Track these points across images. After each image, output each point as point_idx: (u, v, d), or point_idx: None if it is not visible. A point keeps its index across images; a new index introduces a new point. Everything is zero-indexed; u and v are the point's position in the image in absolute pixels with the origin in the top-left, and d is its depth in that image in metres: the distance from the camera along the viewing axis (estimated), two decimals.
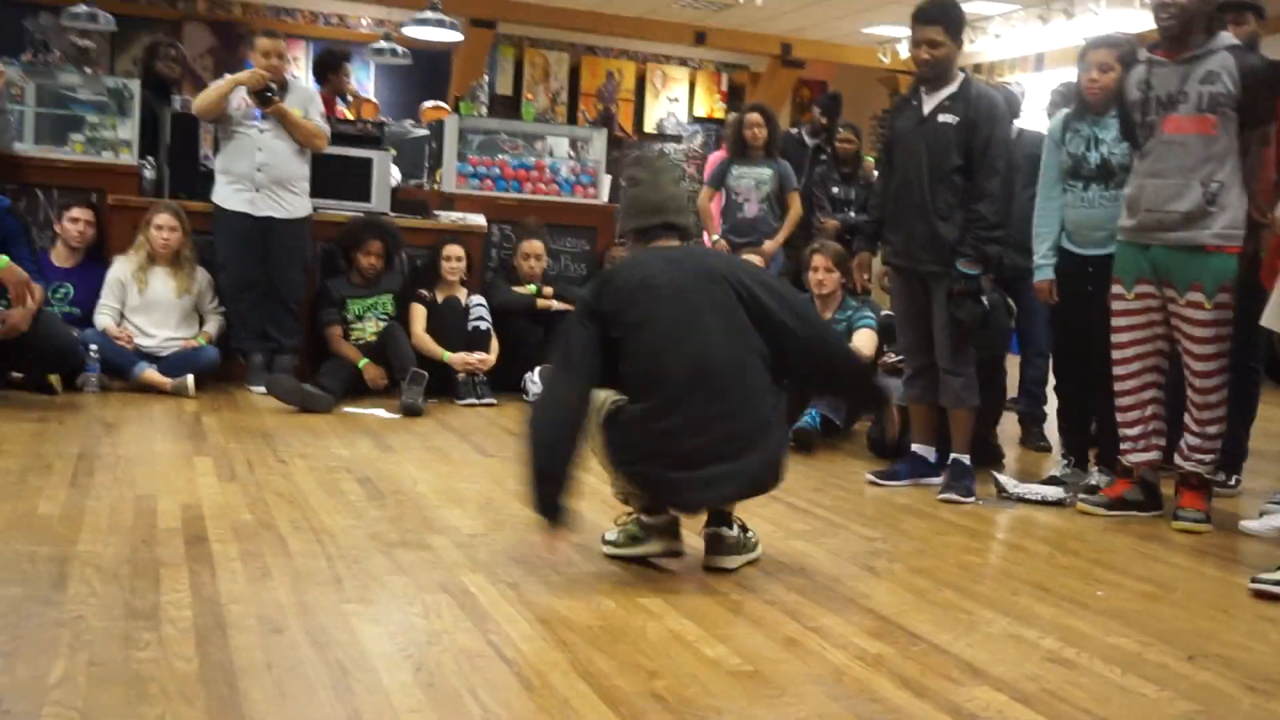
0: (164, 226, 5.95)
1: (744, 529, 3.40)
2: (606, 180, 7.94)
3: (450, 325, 6.20)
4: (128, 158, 6.40)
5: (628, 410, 3.19)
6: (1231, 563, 3.75)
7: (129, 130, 6.42)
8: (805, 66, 15.45)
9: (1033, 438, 5.84)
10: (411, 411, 5.57)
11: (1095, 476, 4.60)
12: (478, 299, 6.36)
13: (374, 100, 9.54)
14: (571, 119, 15.05)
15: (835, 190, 7.44)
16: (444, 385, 6.00)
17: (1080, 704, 2.46)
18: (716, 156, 7.82)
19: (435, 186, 7.44)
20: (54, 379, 5.48)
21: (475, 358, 6.12)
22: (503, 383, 6.24)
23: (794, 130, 8.60)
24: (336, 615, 2.72)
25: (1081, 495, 4.43)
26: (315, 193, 6.26)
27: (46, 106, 6.64)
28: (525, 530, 3.59)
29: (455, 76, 13.98)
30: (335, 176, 6.50)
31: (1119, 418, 4.29)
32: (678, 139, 16.37)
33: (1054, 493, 4.48)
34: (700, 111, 16.41)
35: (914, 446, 4.73)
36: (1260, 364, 4.81)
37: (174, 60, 7.01)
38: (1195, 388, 4.10)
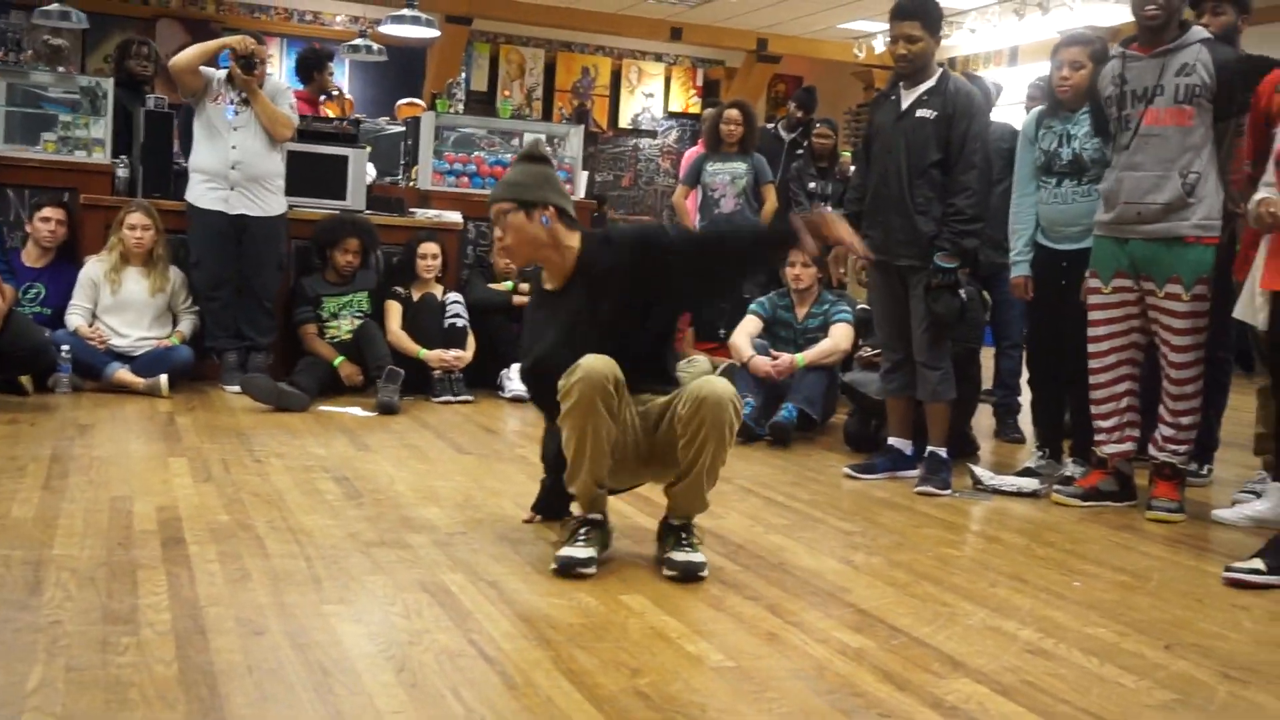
0: (136, 226, 5.90)
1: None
2: (584, 176, 7.94)
3: (427, 323, 6.19)
4: (100, 157, 6.35)
5: None
6: (1205, 552, 3.79)
7: (101, 129, 6.37)
8: (781, 62, 15.48)
9: (1007, 429, 5.88)
10: (388, 409, 5.56)
11: (1069, 468, 4.63)
12: (454, 296, 6.34)
13: (349, 97, 9.50)
14: (547, 115, 15.06)
15: (812, 185, 7.46)
16: (420, 383, 5.99)
17: (1060, 694, 2.48)
18: (692, 153, 7.83)
19: (411, 184, 7.42)
20: (25, 380, 5.44)
21: (451, 355, 6.10)
22: (479, 380, 6.24)
23: (770, 125, 8.63)
24: (317, 616, 2.71)
25: (1056, 486, 4.46)
26: (290, 190, 6.24)
27: (18, 105, 6.60)
28: (504, 528, 3.59)
29: (431, 73, 13.94)
30: (310, 174, 6.47)
31: (1094, 410, 4.33)
32: (653, 134, 16.38)
33: (1029, 484, 4.51)
34: (676, 107, 16.44)
35: (890, 439, 4.75)
36: (1231, 354, 4.86)
37: (146, 59, 6.96)
38: (1171, 379, 4.14)
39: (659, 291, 3.31)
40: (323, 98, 8.13)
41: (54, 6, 10.01)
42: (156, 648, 2.45)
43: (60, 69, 7.23)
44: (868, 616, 2.94)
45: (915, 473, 4.59)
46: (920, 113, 4.42)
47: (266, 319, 6.14)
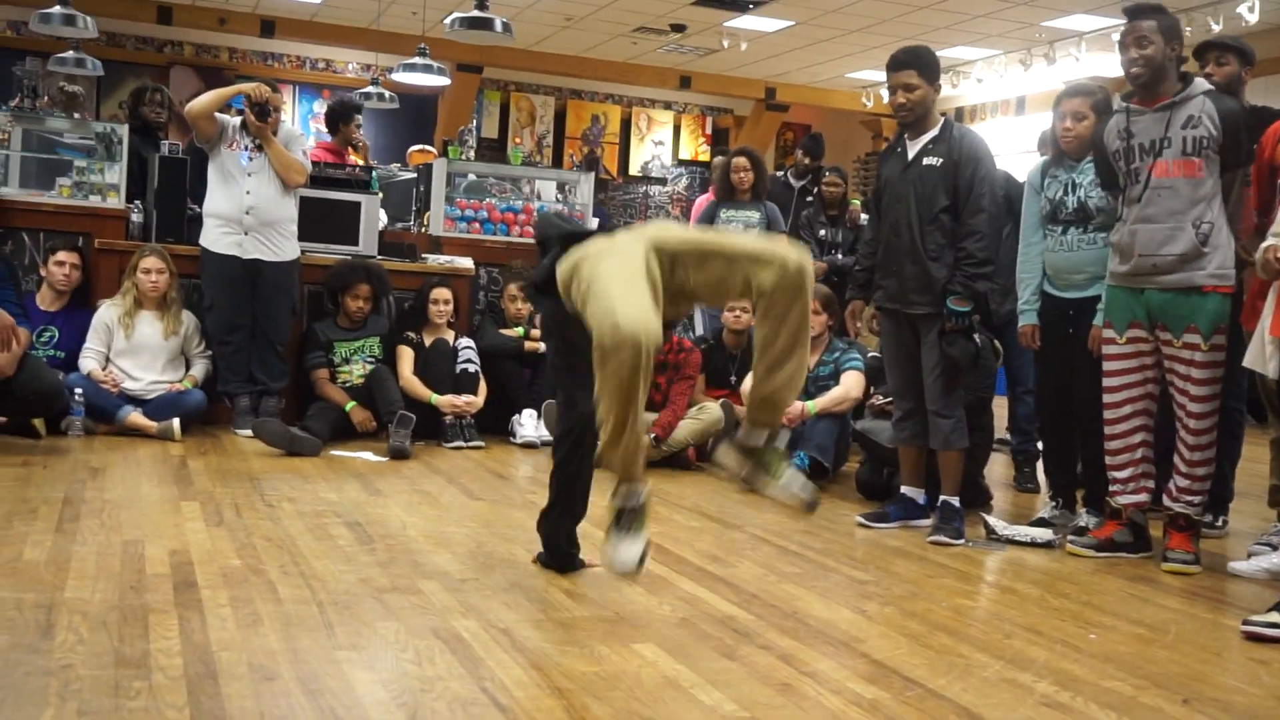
0: (151, 270, 5.94)
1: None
2: (594, 223, 7.97)
3: (438, 368, 6.20)
4: (115, 202, 6.40)
5: None
6: (1222, 604, 3.76)
7: (116, 175, 6.43)
8: (789, 110, 15.61)
9: (1024, 478, 5.85)
10: (399, 454, 5.55)
11: (1083, 518, 4.61)
12: (465, 341, 6.36)
13: (365, 142, 9.56)
14: (557, 162, 15.19)
15: (822, 233, 7.49)
16: (431, 428, 5.99)
17: None
18: (704, 199, 7.87)
19: (423, 229, 7.46)
20: (38, 423, 5.45)
21: (463, 400, 6.11)
22: (490, 425, 6.24)
23: (779, 173, 8.68)
24: (329, 662, 2.70)
25: (1070, 537, 4.43)
26: (303, 236, 6.28)
27: (34, 151, 6.65)
28: (516, 574, 3.57)
29: (442, 120, 14.08)
30: (323, 219, 6.53)
31: (1108, 460, 4.31)
32: (663, 181, 16.48)
33: (1043, 534, 4.48)
34: (685, 154, 16.56)
35: (903, 489, 4.73)
36: (1243, 404, 4.85)
37: (160, 105, 7.04)
38: (1189, 429, 4.12)
39: None
40: (349, 149, 8.20)
41: (69, 54, 10.14)
42: (168, 693, 2.43)
43: (75, 115, 7.30)
44: (882, 667, 2.91)
45: (928, 522, 4.57)
46: (927, 160, 4.45)
47: (279, 363, 6.16)
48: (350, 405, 6.01)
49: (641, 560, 3.05)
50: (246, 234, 6.01)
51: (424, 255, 7.01)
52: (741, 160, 7.10)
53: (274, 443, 5.49)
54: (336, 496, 4.63)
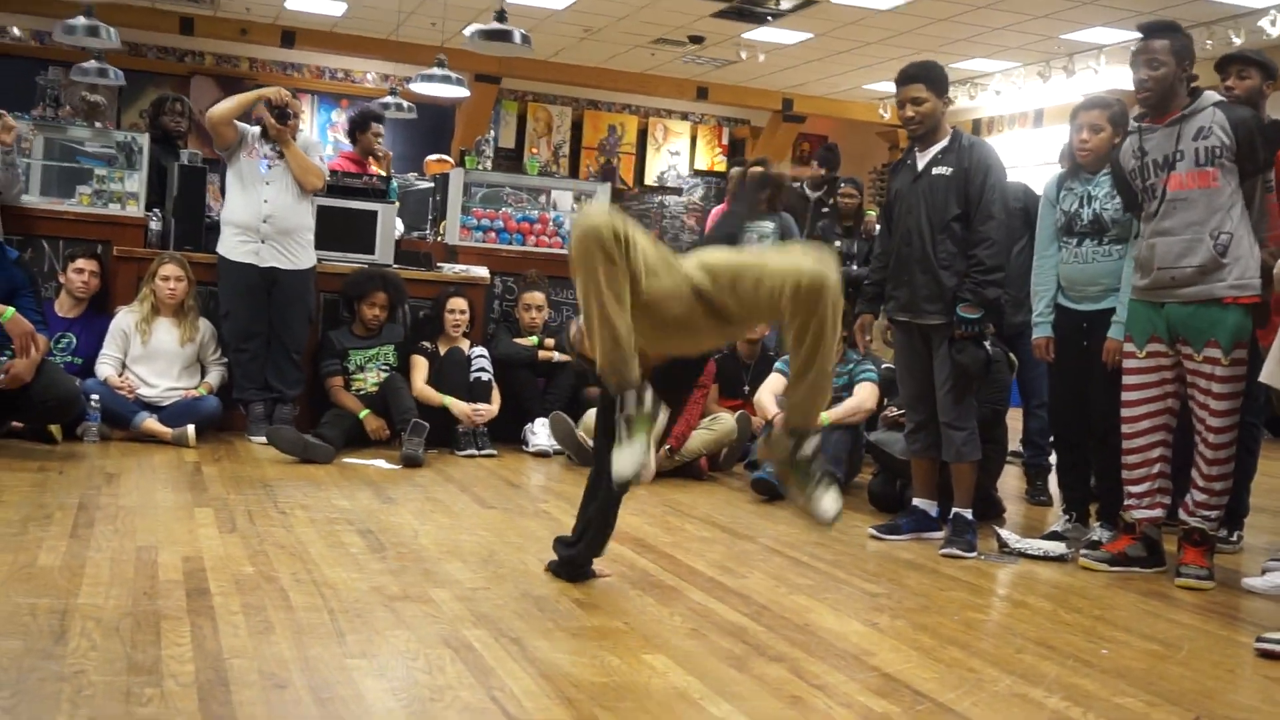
0: (170, 277, 5.98)
1: None
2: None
3: (452, 376, 6.22)
4: (134, 210, 6.44)
5: None
6: (1236, 621, 3.74)
7: (136, 183, 6.47)
8: (805, 121, 15.61)
9: (1036, 490, 5.83)
10: (412, 462, 5.57)
11: (1096, 531, 4.59)
12: (480, 350, 6.37)
13: (388, 154, 9.61)
14: (574, 171, 15.21)
15: (837, 244, 7.49)
16: (444, 436, 6.01)
17: None
18: (719, 210, 7.87)
19: (439, 239, 7.49)
20: (54, 429, 5.49)
21: (479, 409, 6.12)
22: (503, 434, 6.25)
23: (795, 183, 8.68)
24: (340, 670, 2.71)
25: (1083, 551, 4.42)
26: (320, 244, 6.31)
27: (55, 159, 6.71)
28: (527, 584, 3.58)
29: (459, 130, 14.13)
30: (340, 228, 6.55)
31: (1125, 474, 4.30)
32: (679, 191, 16.50)
33: (1055, 548, 4.47)
34: (701, 165, 16.57)
35: (915, 501, 4.73)
36: (1260, 420, 4.82)
37: (180, 114, 7.08)
38: (1208, 443, 4.10)
39: None
40: (370, 159, 8.24)
41: (91, 63, 10.22)
42: (179, 699, 2.45)
43: (97, 124, 7.34)
44: (892, 681, 2.91)
45: (940, 534, 4.56)
46: (937, 170, 4.46)
47: (294, 371, 6.19)
48: (364, 413, 6.03)
49: (641, 470, 3.00)
50: (264, 242, 6.05)
51: (440, 264, 7.04)
52: (757, 170, 7.10)
53: (287, 449, 5.52)
54: (349, 504, 4.65)
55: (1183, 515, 4.19)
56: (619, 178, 15.78)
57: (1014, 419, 5.82)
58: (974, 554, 4.40)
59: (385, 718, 2.44)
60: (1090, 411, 4.57)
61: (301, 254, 6.15)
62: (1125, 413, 4.26)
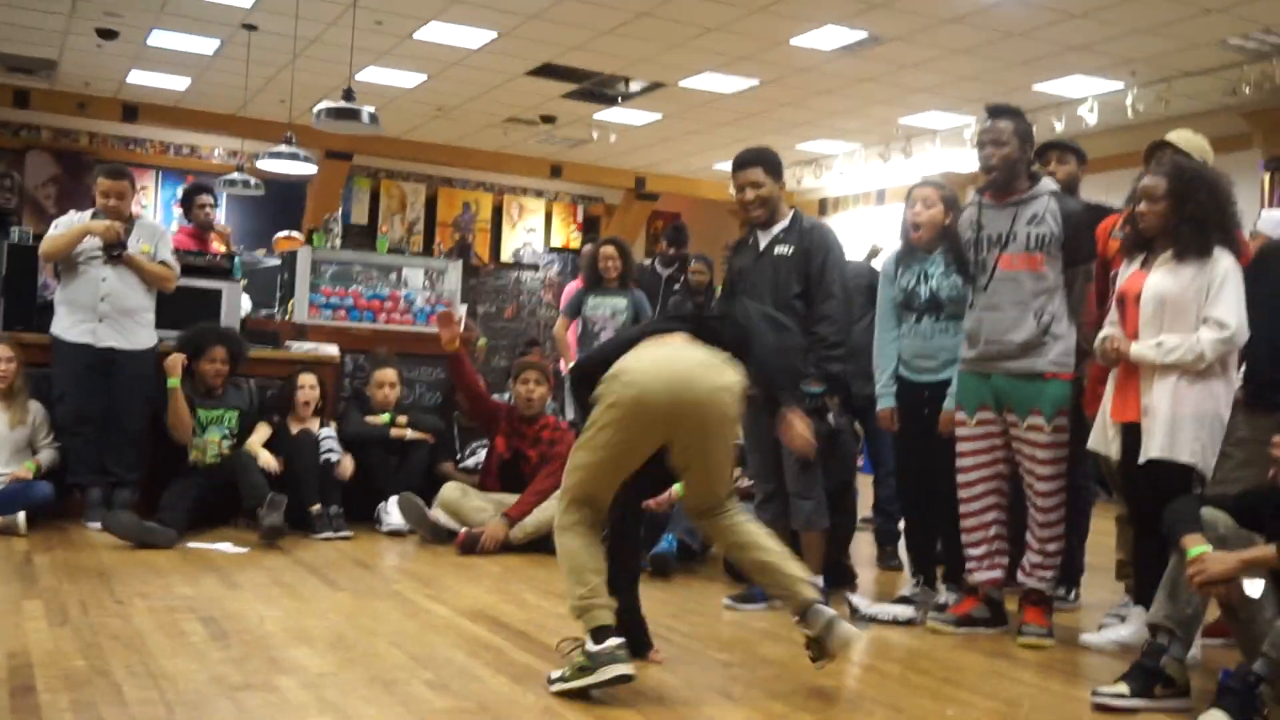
0: (2, 359, 5.73)
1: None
2: (462, 309, 7.96)
3: (302, 460, 6.01)
4: None
5: None
6: (1075, 677, 3.87)
7: None
8: (659, 199, 15.91)
9: (887, 556, 5.96)
10: (275, 533, 5.42)
11: (944, 595, 4.71)
12: (327, 431, 6.22)
13: (226, 228, 9.44)
14: (428, 248, 15.15)
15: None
16: (297, 518, 5.82)
17: None
18: (572, 286, 7.94)
19: (287, 317, 7.36)
20: None
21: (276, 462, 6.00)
22: (356, 513, 6.10)
23: (648, 261, 8.82)
24: None
25: (931, 614, 4.53)
26: (162, 323, 6.12)
27: None
28: (377, 668, 3.49)
29: (310, 207, 13.97)
30: (183, 307, 6.35)
31: (964, 538, 4.44)
32: (535, 268, 16.57)
33: (905, 612, 4.57)
34: (557, 241, 16.69)
35: None
36: (1090, 481, 5.04)
37: (10, 190, 6.85)
38: (1037, 506, 4.28)
39: None
40: (211, 234, 8.10)
41: None
42: None
43: None
44: None
45: None
46: (779, 250, 4.60)
47: (133, 453, 5.96)
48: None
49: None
50: (101, 322, 5.85)
51: (288, 343, 6.90)
52: (609, 249, 7.20)
53: (125, 535, 5.30)
54: (192, 591, 4.48)
55: (1020, 577, 4.34)
56: (474, 254, 15.77)
57: (864, 485, 5.95)
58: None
59: None
60: (935, 477, 4.70)
61: (141, 333, 5.96)
62: (959, 478, 4.41)
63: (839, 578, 5.07)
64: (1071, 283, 4.32)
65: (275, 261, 8.05)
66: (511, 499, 5.84)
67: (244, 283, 6.97)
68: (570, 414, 7.47)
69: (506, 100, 12.05)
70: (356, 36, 9.06)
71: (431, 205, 15.84)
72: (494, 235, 16.23)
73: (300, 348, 6.79)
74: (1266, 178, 10.01)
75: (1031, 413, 4.23)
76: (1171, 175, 3.93)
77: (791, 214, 4.68)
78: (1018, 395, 4.26)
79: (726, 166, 16.06)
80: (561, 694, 3.26)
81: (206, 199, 8.06)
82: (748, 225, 4.82)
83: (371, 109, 8.19)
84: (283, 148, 9.43)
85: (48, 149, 13.73)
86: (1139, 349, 3.90)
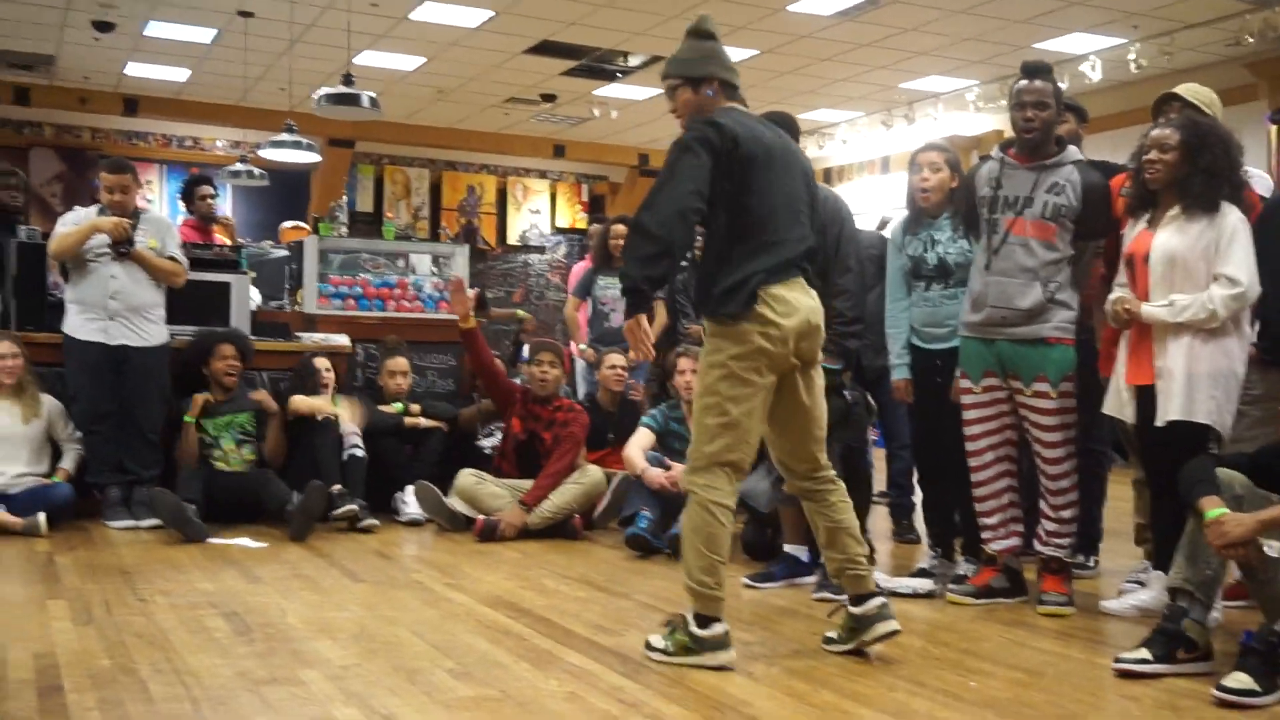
0: (6, 355, 5.75)
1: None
2: (472, 293, 7.95)
3: (325, 443, 6.00)
4: None
5: None
6: (1096, 644, 3.87)
7: None
8: None
9: (903, 530, 5.96)
10: (305, 524, 5.51)
11: (962, 566, 4.71)
12: (351, 428, 6.18)
13: (231, 220, 9.46)
14: (434, 233, 15.15)
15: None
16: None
17: None
18: (581, 267, 7.92)
19: (297, 308, 7.36)
20: None
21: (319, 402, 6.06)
22: (373, 504, 6.10)
23: None
24: None
25: (950, 585, 4.53)
26: (172, 319, 6.12)
27: None
28: (400, 658, 3.51)
29: (315, 195, 13.97)
30: (192, 302, 6.36)
31: (977, 507, 4.43)
32: (541, 250, 16.54)
33: (924, 585, 4.57)
34: (562, 222, 16.66)
35: (786, 547, 4.79)
36: (1106, 447, 5.03)
37: (17, 189, 6.84)
38: (1047, 474, 4.28)
39: None
40: (214, 225, 8.12)
41: None
42: None
43: None
44: None
45: (813, 578, 4.62)
46: None
47: (151, 452, 5.97)
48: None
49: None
50: (112, 319, 5.85)
51: (298, 334, 6.91)
52: (620, 227, 7.17)
53: (163, 514, 5.36)
54: (213, 586, 4.50)
55: (1037, 545, 4.34)
56: (480, 238, 15.75)
57: (878, 460, 5.95)
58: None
59: None
60: (949, 446, 4.69)
61: (153, 330, 5.97)
62: (969, 446, 4.40)
63: None
64: (1079, 256, 4.29)
65: (283, 252, 8.05)
66: (527, 484, 5.85)
67: (252, 275, 6.96)
68: (581, 394, 7.48)
69: (506, 80, 12.01)
70: (353, 19, 9.04)
71: (436, 190, 15.82)
72: (499, 218, 16.20)
73: (311, 339, 6.79)
74: (1274, 130, 9.93)
75: (1037, 379, 4.22)
76: (1185, 127, 3.90)
77: None
78: (1023, 361, 4.24)
79: None
80: (657, 662, 3.47)
81: (207, 190, 8.08)
82: None
83: (371, 94, 8.17)
84: (285, 136, 9.42)
85: (51, 146, 13.74)
86: (1151, 309, 3.88)
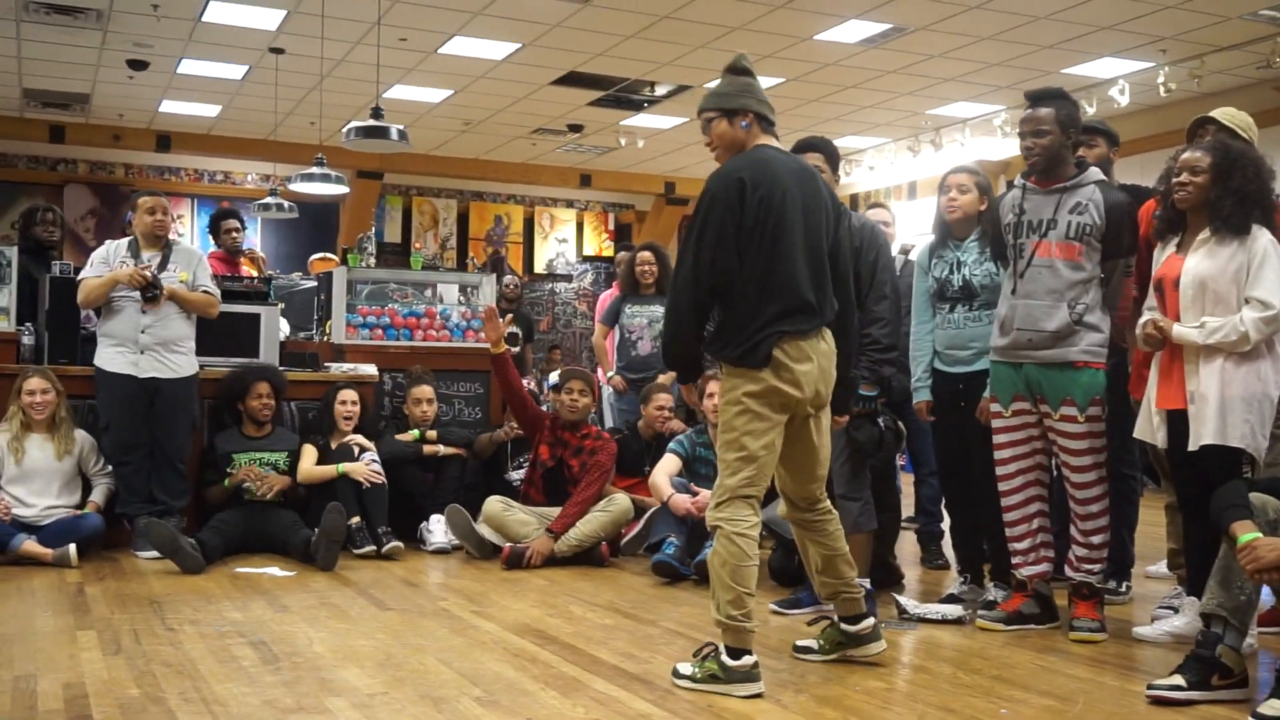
0: (36, 391, 5.80)
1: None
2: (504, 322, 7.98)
3: (350, 483, 6.03)
4: (4, 325, 6.26)
5: None
6: (1129, 671, 3.82)
7: (5, 297, 6.28)
8: (689, 203, 15.87)
9: (931, 556, 5.92)
10: (333, 549, 5.54)
11: (991, 592, 4.67)
12: (370, 455, 6.19)
13: (261, 254, 9.54)
14: (461, 263, 15.25)
15: None
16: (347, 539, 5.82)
17: None
18: (608, 295, 7.94)
19: (325, 338, 7.40)
20: None
21: (374, 468, 6.00)
22: (398, 533, 6.10)
23: None
24: None
25: (980, 611, 4.49)
26: (202, 350, 6.17)
27: None
28: (426, 686, 3.51)
29: (344, 227, 14.10)
30: (223, 332, 6.41)
31: (1007, 532, 4.39)
32: (568, 278, 16.60)
33: (953, 611, 4.53)
34: (589, 250, 16.73)
35: None
36: (1137, 471, 4.98)
37: (53, 224, 6.93)
38: (1076, 499, 4.24)
39: None
40: (242, 258, 8.20)
41: None
42: None
43: None
44: None
45: None
46: None
47: (179, 481, 6.01)
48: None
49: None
50: (143, 353, 5.91)
51: (327, 364, 6.95)
52: (647, 254, 7.18)
53: (158, 544, 5.37)
54: (241, 615, 4.52)
55: (1068, 571, 4.29)
56: (508, 267, 15.82)
57: (906, 486, 5.91)
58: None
59: None
60: (975, 470, 4.66)
61: (182, 362, 6.02)
62: (999, 471, 4.37)
63: (885, 577, 5.04)
64: (1109, 275, 4.27)
65: (311, 283, 8.11)
66: (554, 512, 5.84)
67: (281, 306, 7.01)
68: (610, 423, 7.48)
69: (533, 111, 12.09)
70: (382, 55, 9.13)
71: (463, 220, 15.93)
72: (527, 247, 16.29)
73: (339, 369, 6.83)
74: None
75: (1064, 403, 4.19)
76: (1215, 150, 3.88)
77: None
78: (1050, 385, 4.21)
79: None
80: (685, 689, 3.50)
81: (233, 224, 8.17)
82: None
83: (400, 126, 8.24)
84: (314, 169, 9.51)
85: (85, 182, 13.94)
86: (1182, 330, 3.85)
